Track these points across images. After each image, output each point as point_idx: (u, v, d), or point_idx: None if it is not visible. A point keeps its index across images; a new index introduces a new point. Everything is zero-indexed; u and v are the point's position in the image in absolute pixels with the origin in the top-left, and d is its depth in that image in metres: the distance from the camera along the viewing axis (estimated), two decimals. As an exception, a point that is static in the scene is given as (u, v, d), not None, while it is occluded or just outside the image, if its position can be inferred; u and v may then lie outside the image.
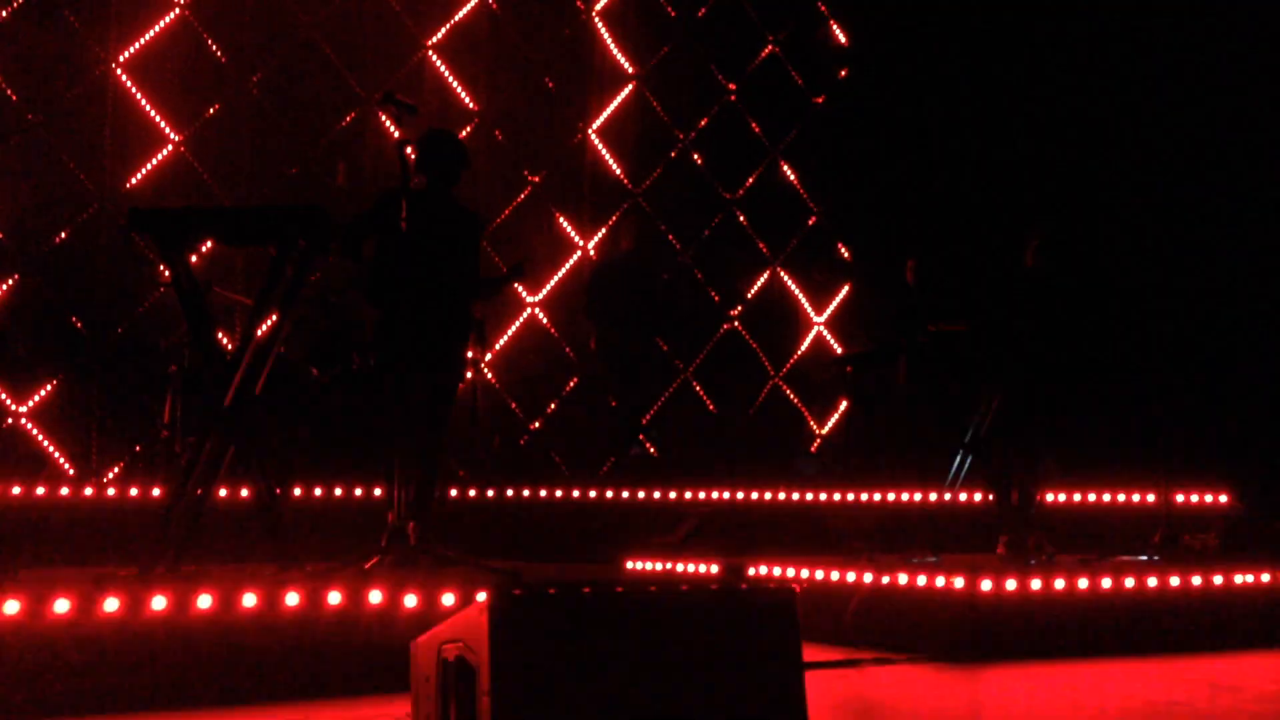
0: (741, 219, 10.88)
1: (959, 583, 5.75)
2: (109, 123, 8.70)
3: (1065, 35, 10.88)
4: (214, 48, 9.10)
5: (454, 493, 7.32)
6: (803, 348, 10.94)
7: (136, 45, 8.86)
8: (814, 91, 11.32)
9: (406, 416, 5.66)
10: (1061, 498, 8.61)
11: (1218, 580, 6.22)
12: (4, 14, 8.43)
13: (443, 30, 9.85)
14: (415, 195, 5.58)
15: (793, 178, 11.15)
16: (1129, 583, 6.00)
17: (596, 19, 10.48)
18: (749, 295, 10.66)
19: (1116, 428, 8.96)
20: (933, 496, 8.10)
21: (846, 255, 11.27)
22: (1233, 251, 10.17)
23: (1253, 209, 10.28)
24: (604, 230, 10.22)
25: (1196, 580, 6.17)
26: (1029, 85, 10.85)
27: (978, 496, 8.18)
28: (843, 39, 11.48)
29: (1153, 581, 6.06)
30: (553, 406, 9.76)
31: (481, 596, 3.68)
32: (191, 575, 4.85)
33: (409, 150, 5.58)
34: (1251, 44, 10.29)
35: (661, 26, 10.79)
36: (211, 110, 9.01)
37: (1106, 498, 8.81)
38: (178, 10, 9.00)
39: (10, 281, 8.33)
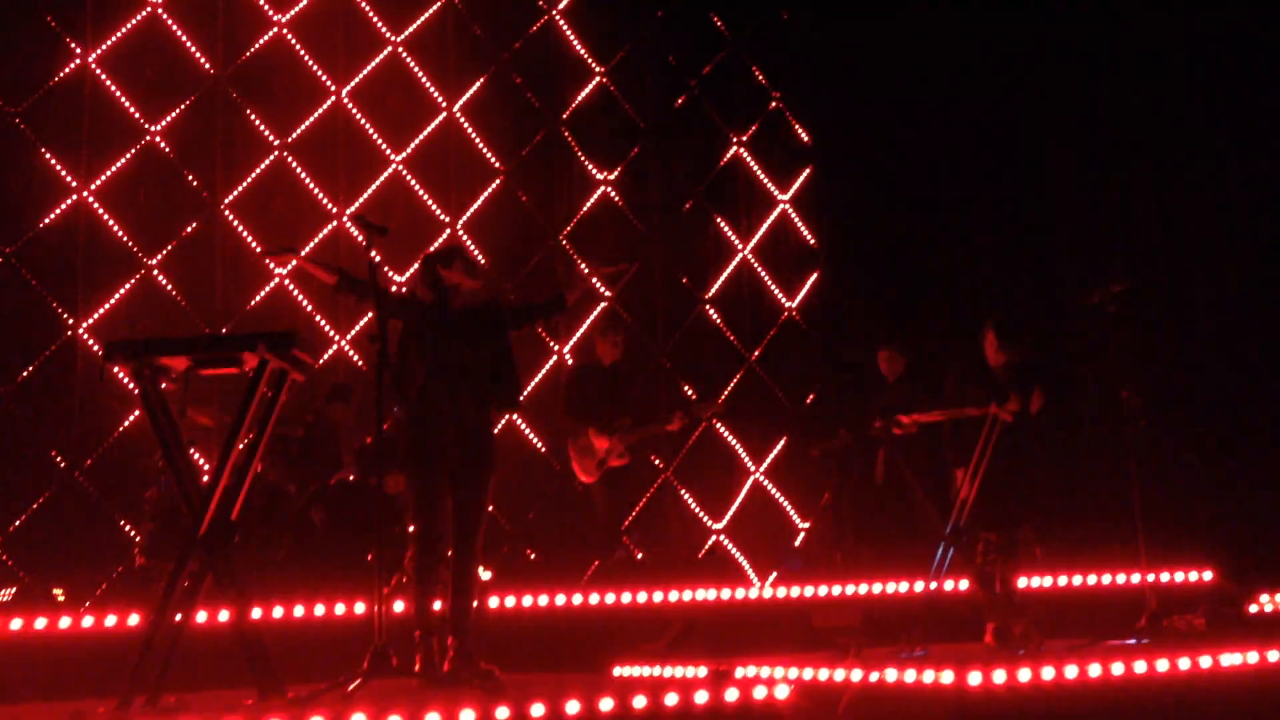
0: (715, 317, 11.04)
1: (947, 677, 5.68)
2: (81, 250, 8.77)
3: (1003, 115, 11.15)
4: (187, 174, 9.24)
5: (438, 605, 7.23)
6: (782, 443, 10.97)
7: (108, 173, 8.97)
8: (780, 188, 11.54)
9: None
10: (1047, 581, 8.57)
11: (1205, 663, 6.19)
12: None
13: (412, 145, 10.06)
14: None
15: (764, 274, 11.34)
16: (1117, 669, 5.95)
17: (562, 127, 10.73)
18: (725, 391, 10.74)
19: (1097, 508, 8.96)
20: (918, 587, 8.04)
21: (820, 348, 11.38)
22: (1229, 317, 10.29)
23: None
24: (579, 333, 10.29)
25: (1185, 664, 6.14)
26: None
27: (964, 584, 8.13)
28: (805, 138, 11.74)
29: (1140, 667, 6.02)
30: (534, 513, 9.77)
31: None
32: (171, 707, 4.77)
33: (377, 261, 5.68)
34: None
35: (629, 130, 11.04)
36: (184, 233, 9.13)
37: (1092, 580, 8.77)
38: (149, 136, 9.14)
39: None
